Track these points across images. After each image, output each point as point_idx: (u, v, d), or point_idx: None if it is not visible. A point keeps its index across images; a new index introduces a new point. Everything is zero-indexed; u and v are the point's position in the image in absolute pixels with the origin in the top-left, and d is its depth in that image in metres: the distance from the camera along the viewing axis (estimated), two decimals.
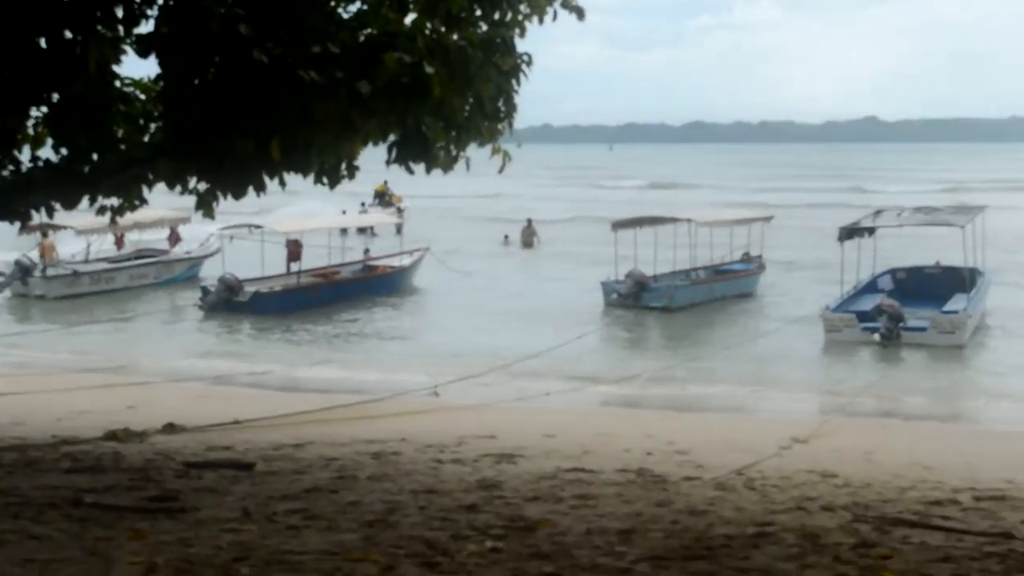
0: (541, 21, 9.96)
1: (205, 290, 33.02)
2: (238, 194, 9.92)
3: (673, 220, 35.77)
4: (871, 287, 31.25)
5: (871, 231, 31.37)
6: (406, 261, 38.76)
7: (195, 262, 40.66)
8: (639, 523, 9.07)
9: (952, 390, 23.29)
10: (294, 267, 35.89)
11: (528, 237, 51.56)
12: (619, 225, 34.94)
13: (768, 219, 40.06)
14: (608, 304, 32.52)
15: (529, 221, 52.34)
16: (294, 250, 36.61)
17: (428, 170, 10.42)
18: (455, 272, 39.60)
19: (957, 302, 28.05)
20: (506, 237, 52.43)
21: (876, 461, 14.44)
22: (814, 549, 8.08)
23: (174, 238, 42.15)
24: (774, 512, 10.03)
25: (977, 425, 20.39)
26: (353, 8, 9.85)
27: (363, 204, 58.54)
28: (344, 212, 50.57)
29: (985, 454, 15.20)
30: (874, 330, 26.66)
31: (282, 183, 10.07)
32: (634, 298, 32.31)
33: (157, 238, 42.05)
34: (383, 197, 65.25)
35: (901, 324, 26.66)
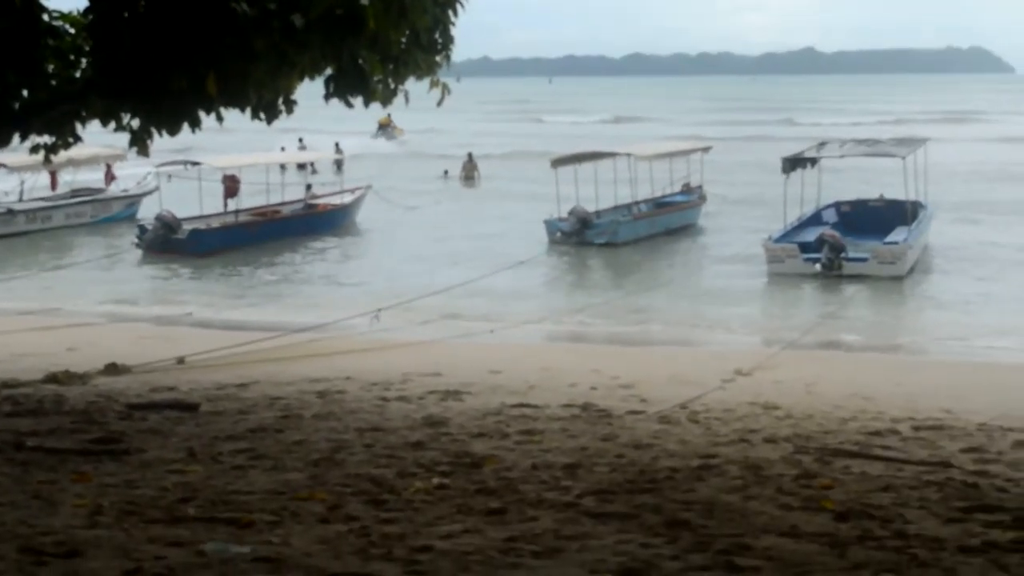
0: None
1: (143, 228, 32.49)
2: (173, 130, 9.75)
3: (612, 155, 35.76)
4: (815, 219, 31.37)
5: (814, 162, 31.54)
6: (347, 199, 38.39)
7: (132, 200, 39.98)
8: (584, 457, 9.14)
9: (892, 321, 23.52)
10: (232, 204, 35.52)
11: (469, 172, 50.85)
12: (559, 162, 34.67)
13: (707, 149, 40.24)
14: (552, 242, 32.39)
15: (470, 155, 51.64)
16: (231, 186, 36.28)
17: (366, 104, 10.30)
18: (400, 208, 39.33)
19: (898, 234, 28.30)
20: (446, 172, 51.73)
21: (817, 393, 14.61)
22: (757, 480, 8.20)
23: (110, 176, 41.57)
24: (717, 444, 10.15)
25: (916, 356, 20.60)
26: None
27: (300, 140, 57.74)
28: (283, 149, 50.02)
29: (924, 385, 15.38)
30: (815, 260, 26.85)
31: (219, 119, 9.92)
32: (577, 235, 32.18)
33: (93, 177, 41.44)
34: (387, 129, 64.62)
35: (842, 255, 26.87)
